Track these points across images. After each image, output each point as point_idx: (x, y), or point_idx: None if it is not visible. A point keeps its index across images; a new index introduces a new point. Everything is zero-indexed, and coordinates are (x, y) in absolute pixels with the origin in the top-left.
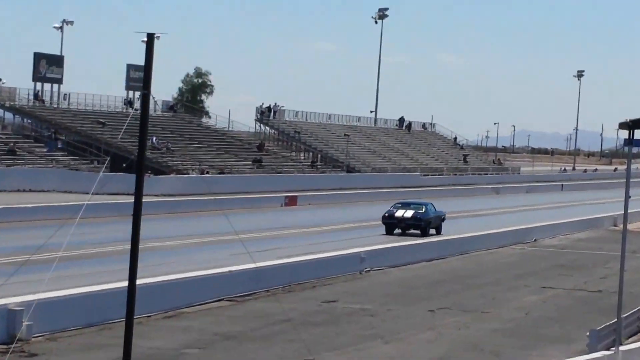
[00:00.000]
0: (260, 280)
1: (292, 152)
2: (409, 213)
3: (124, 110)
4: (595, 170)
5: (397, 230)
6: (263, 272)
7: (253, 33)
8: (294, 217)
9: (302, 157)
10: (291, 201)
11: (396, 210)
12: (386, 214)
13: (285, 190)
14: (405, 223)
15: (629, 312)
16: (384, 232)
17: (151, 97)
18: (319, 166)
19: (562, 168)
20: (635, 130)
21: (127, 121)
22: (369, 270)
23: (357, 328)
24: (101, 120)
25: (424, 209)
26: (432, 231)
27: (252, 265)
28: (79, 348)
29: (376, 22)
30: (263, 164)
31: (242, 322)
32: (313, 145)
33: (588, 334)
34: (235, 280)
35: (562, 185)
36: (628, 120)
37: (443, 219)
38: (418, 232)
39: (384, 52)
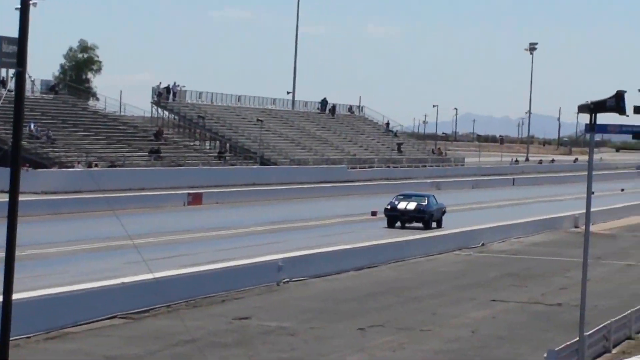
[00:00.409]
0: (159, 293)
1: (195, 140)
2: (411, 205)
3: None
4: (552, 161)
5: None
6: (162, 284)
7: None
8: (199, 219)
9: (208, 147)
10: (195, 199)
11: (398, 202)
12: (388, 206)
13: (188, 187)
14: (408, 215)
15: (593, 330)
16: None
17: (27, 76)
18: (227, 158)
19: (514, 159)
20: (599, 114)
21: None
22: (287, 281)
23: (274, 350)
24: None
25: (426, 201)
26: (434, 224)
27: (149, 276)
28: None
29: None
30: (161, 155)
31: (138, 344)
32: (220, 133)
33: (545, 355)
34: (130, 293)
35: (513, 179)
36: (589, 102)
37: (444, 212)
38: (420, 224)
39: (303, 21)
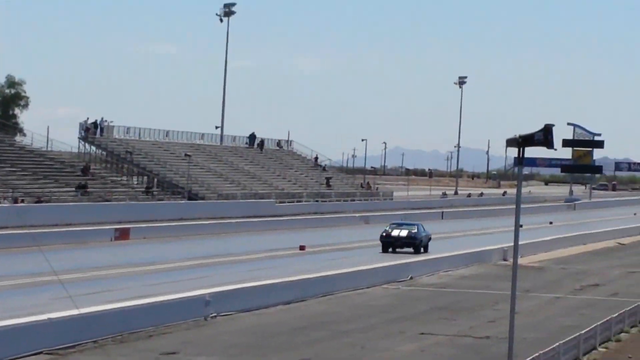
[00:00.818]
0: (85, 329)
1: (123, 176)
2: (404, 232)
3: None
4: (481, 194)
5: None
6: (89, 320)
7: (77, 34)
8: (126, 254)
9: (135, 182)
10: (122, 234)
11: (392, 230)
12: (383, 234)
13: (116, 222)
14: (401, 241)
15: None
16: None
17: None
18: (155, 192)
19: (443, 192)
20: (528, 148)
21: None
22: (215, 316)
23: None
24: None
25: (416, 229)
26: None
27: (75, 312)
28: None
29: (221, 21)
30: (88, 190)
31: None
32: (148, 168)
33: None
34: (56, 329)
35: (442, 212)
36: (517, 136)
37: (429, 239)
38: (411, 249)
39: (231, 56)
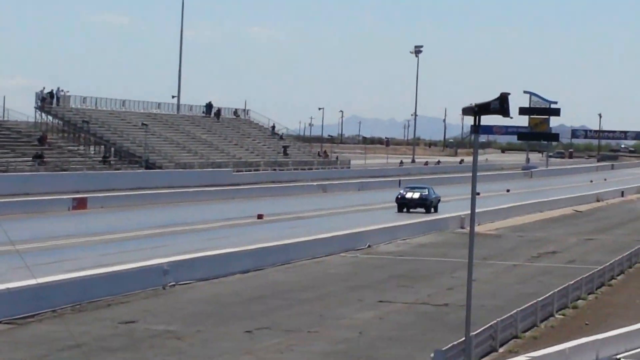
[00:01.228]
0: (44, 298)
1: (79, 145)
2: (416, 194)
3: None
4: (438, 162)
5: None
6: (47, 289)
7: (31, 3)
8: (84, 223)
9: (92, 152)
10: (80, 204)
11: (406, 193)
12: (399, 196)
13: (73, 191)
14: (414, 202)
15: (480, 329)
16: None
17: None
18: (112, 162)
19: (400, 161)
20: (484, 116)
21: None
22: (173, 285)
23: (162, 353)
24: None
25: (427, 192)
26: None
27: (33, 281)
28: None
29: None
30: (45, 160)
31: (23, 349)
32: (105, 137)
33: (432, 355)
34: (14, 299)
35: (399, 180)
36: (473, 104)
37: (439, 200)
38: (423, 210)
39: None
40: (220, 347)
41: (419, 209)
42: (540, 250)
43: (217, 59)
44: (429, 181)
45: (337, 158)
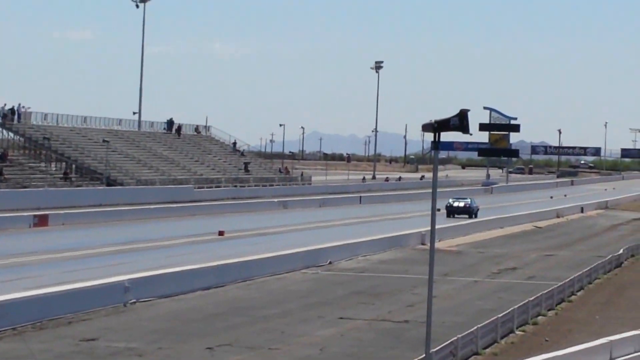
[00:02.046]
0: (4, 316)
1: (41, 162)
2: (462, 203)
3: None
4: (399, 178)
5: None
6: (7, 307)
7: None
8: (45, 240)
9: (54, 168)
10: (41, 221)
11: (454, 202)
12: (447, 205)
13: (34, 208)
14: (460, 210)
15: (440, 346)
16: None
17: None
18: (73, 179)
19: (363, 177)
20: (444, 133)
21: None
22: (134, 302)
23: None
24: None
25: (470, 202)
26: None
27: None
28: None
29: (137, 6)
30: (6, 176)
31: None
32: (66, 154)
33: None
34: None
35: (360, 197)
36: (433, 121)
37: (478, 209)
38: (466, 215)
39: (148, 42)
40: None
41: (463, 215)
42: (501, 266)
43: (179, 75)
44: (390, 197)
45: (300, 174)
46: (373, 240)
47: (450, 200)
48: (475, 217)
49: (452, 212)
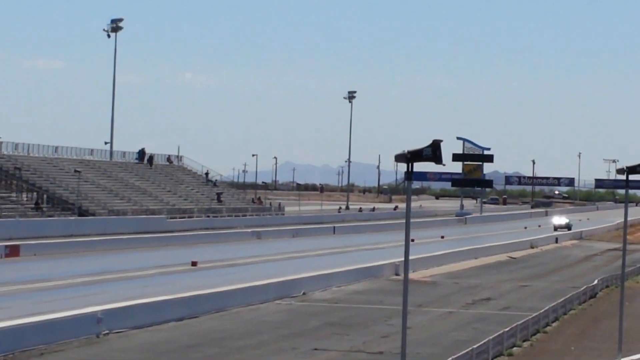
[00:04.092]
0: None
1: (12, 192)
2: (563, 222)
3: None
4: (373, 209)
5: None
6: None
7: None
8: (17, 271)
9: (25, 199)
10: (12, 251)
11: (556, 221)
12: (553, 221)
13: (5, 239)
14: (562, 226)
15: None
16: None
17: None
18: (45, 209)
19: (339, 208)
20: (417, 163)
21: None
22: (107, 333)
23: None
24: None
25: (568, 220)
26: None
27: None
28: None
29: (109, 36)
30: None
31: None
32: (37, 184)
33: None
34: None
35: (334, 227)
36: (406, 151)
37: (572, 225)
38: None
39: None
40: None
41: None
42: (475, 297)
43: (151, 105)
44: (364, 228)
45: (270, 204)
46: (347, 270)
47: (556, 217)
48: (570, 230)
49: (555, 228)
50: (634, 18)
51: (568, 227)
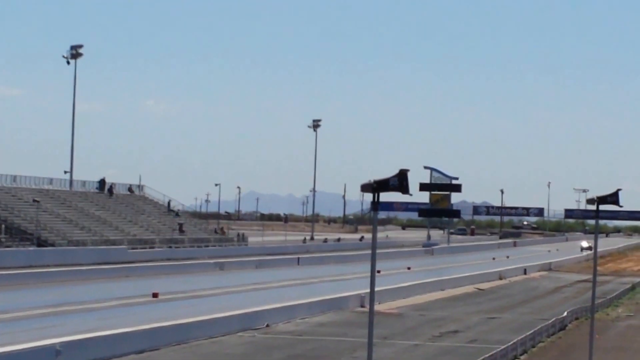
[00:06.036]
0: None
1: None
2: (586, 244)
3: None
4: (338, 239)
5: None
6: None
7: None
8: None
9: None
10: None
11: (581, 242)
12: (582, 244)
13: None
14: (585, 248)
15: None
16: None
17: None
18: (3, 239)
19: (304, 238)
20: (383, 193)
21: None
22: None
23: None
24: None
25: (591, 243)
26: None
27: None
28: None
29: (68, 63)
30: None
31: None
32: None
33: None
34: None
35: (298, 258)
36: (372, 181)
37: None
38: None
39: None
40: None
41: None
42: (442, 329)
43: (111, 133)
44: (329, 258)
45: (237, 234)
46: (311, 302)
47: (582, 242)
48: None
49: (581, 249)
50: (601, 49)
51: (590, 249)
